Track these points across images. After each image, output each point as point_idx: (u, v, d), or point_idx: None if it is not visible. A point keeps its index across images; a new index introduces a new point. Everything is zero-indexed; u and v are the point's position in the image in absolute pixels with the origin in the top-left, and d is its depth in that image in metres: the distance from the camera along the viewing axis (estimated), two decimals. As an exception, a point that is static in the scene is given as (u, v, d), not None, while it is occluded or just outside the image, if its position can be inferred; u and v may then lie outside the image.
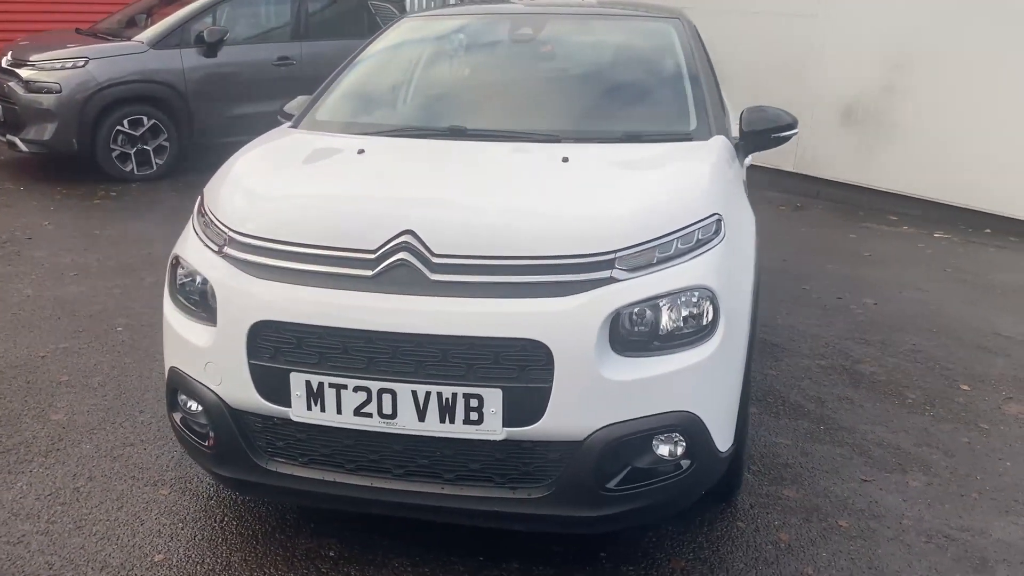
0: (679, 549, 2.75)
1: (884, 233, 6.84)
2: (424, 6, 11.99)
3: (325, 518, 2.88)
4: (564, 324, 2.27)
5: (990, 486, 3.16)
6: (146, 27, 8.13)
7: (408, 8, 10.78)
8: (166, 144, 7.75)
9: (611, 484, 2.37)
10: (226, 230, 2.58)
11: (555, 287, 2.31)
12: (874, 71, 7.35)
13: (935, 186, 7.13)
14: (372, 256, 2.39)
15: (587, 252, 2.35)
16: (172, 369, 2.68)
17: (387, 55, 3.82)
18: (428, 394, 2.31)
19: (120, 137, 7.52)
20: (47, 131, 7.33)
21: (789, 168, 7.98)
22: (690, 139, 3.13)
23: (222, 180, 2.89)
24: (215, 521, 2.89)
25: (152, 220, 6.52)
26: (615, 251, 2.36)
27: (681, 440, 2.41)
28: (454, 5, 11.73)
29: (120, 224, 6.43)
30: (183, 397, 2.69)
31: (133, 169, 7.64)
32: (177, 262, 2.72)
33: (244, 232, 2.54)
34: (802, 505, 3.01)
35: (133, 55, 7.58)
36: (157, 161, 7.73)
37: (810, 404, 3.77)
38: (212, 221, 2.66)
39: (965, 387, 3.99)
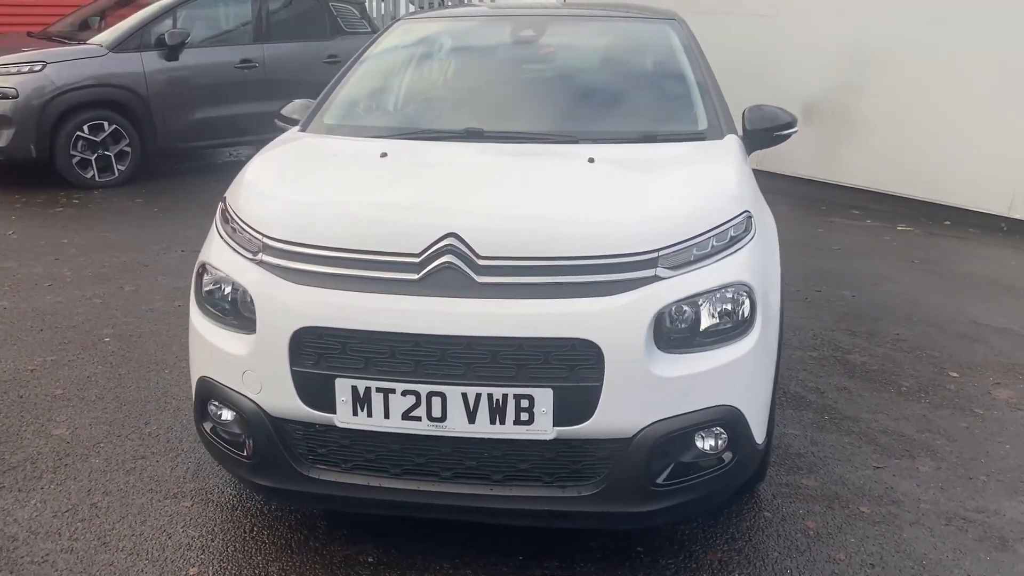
0: (713, 541, 2.80)
1: (849, 227, 7.02)
2: (386, 8, 11.93)
3: (357, 524, 2.86)
4: (613, 322, 2.30)
5: (995, 468, 3.29)
6: (101, 30, 7.95)
7: (370, 10, 10.70)
8: (128, 150, 7.57)
9: (660, 479, 2.40)
10: (260, 236, 2.55)
11: (602, 286, 2.34)
12: (833, 69, 7.55)
13: (895, 181, 7.36)
14: (417, 260, 2.39)
15: (632, 251, 2.38)
16: (202, 379, 2.63)
17: (388, 57, 3.81)
18: (479, 396, 2.31)
19: (80, 143, 7.33)
20: (3, 138, 7.10)
21: (752, 165, 8.13)
22: (703, 138, 3.20)
23: (248, 186, 2.85)
24: (245, 531, 2.84)
25: (120, 227, 6.37)
26: (658, 250, 2.40)
27: (723, 433, 2.46)
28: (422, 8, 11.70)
29: (87, 232, 6.25)
30: (214, 407, 2.64)
31: (94, 176, 7.44)
32: (204, 270, 2.68)
33: (281, 238, 2.51)
34: (822, 493, 3.09)
35: (92, 59, 7.38)
36: (119, 167, 7.55)
37: (811, 395, 3.87)
38: (243, 228, 2.62)
39: (954, 374, 4.14)
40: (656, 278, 2.37)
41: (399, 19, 4.10)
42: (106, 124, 7.40)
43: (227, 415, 2.60)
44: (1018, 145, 6.55)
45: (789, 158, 7.95)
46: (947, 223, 7.04)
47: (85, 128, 7.30)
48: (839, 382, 4.02)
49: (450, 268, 2.37)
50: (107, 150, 7.46)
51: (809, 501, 3.03)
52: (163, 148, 7.88)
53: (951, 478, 3.21)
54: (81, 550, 2.74)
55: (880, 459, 3.33)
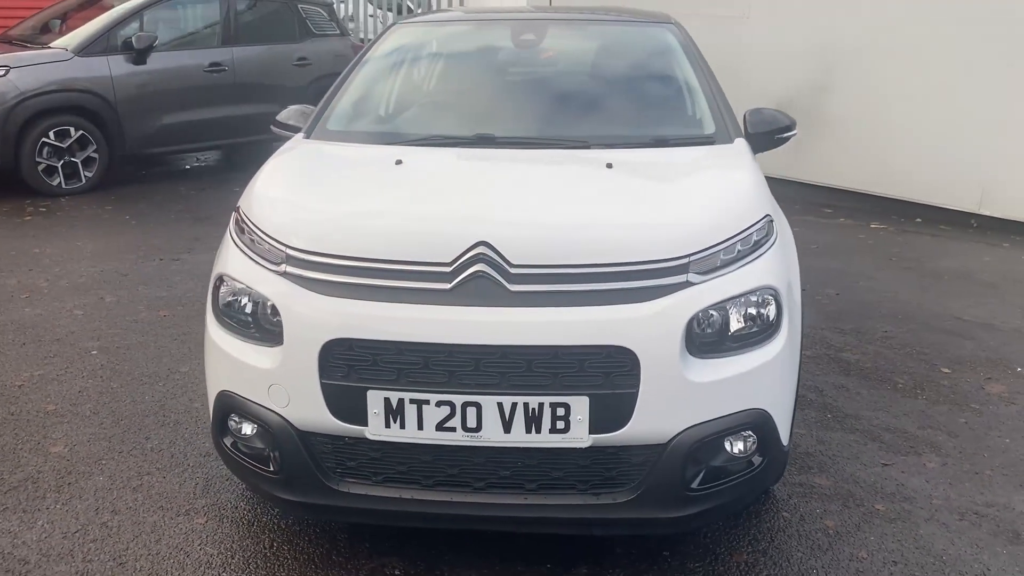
0: (736, 543, 2.82)
1: (824, 225, 7.13)
2: (346, 10, 11.83)
3: (379, 536, 2.82)
4: (649, 329, 2.30)
5: (999, 463, 3.36)
6: (63, 33, 7.76)
7: (339, 12, 10.59)
8: (95, 156, 7.39)
9: (694, 484, 2.41)
10: (283, 247, 2.50)
11: (636, 293, 2.34)
12: (803, 70, 7.67)
13: (866, 179, 7.49)
14: (448, 269, 2.36)
15: (665, 257, 2.38)
16: (223, 393, 2.57)
17: (388, 62, 3.77)
18: (514, 405, 2.29)
19: (46, 149, 7.13)
20: (-34, 145, 6.89)
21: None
22: (712, 142, 3.22)
23: (264, 195, 2.79)
24: (265, 547, 2.79)
25: (92, 236, 6.22)
26: (689, 255, 2.40)
27: (752, 437, 2.47)
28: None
29: (59, 241, 6.09)
30: (234, 422, 2.59)
31: (61, 183, 7.25)
32: (222, 281, 2.62)
33: (306, 248, 2.46)
34: (836, 492, 3.12)
35: (57, 63, 7.20)
36: (86, 174, 7.37)
37: (811, 394, 3.91)
38: (263, 238, 2.57)
39: (946, 370, 4.22)
40: (688, 283, 2.38)
41: (395, 23, 4.05)
42: (72, 130, 7.22)
43: (249, 429, 2.55)
44: (986, 143, 6.71)
45: (760, 157, 8.02)
46: (918, 220, 7.19)
47: (51, 134, 7.12)
48: (836, 380, 4.07)
49: (482, 277, 2.35)
50: (74, 156, 7.28)
51: (825, 500, 3.07)
52: (131, 154, 7.72)
53: (958, 473, 3.27)
54: (96, 572, 2.66)
55: (887, 456, 3.38)
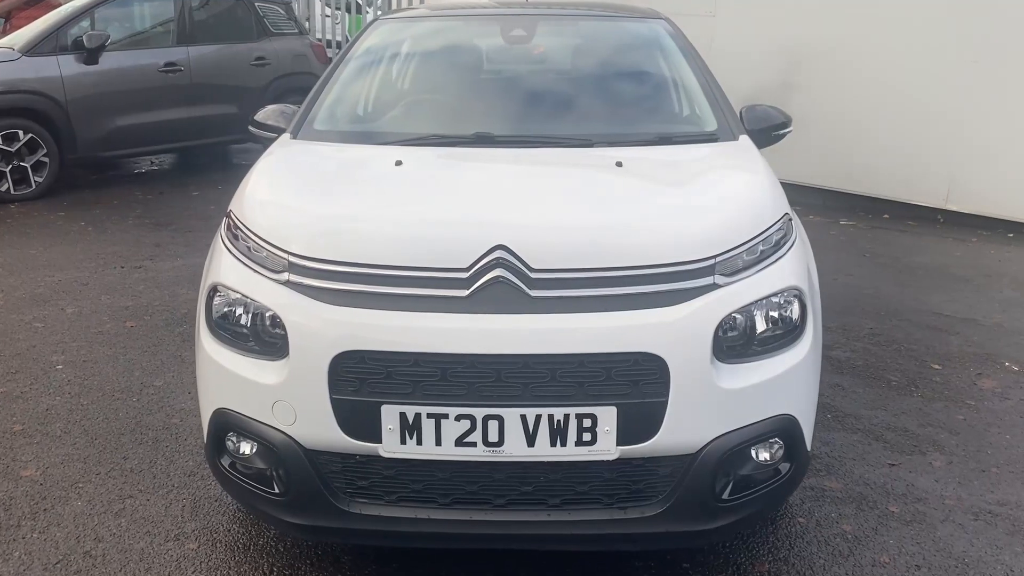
0: (756, 552, 2.74)
1: (794, 223, 7.12)
2: (299, 8, 11.58)
3: (384, 557, 2.67)
4: (678, 334, 2.20)
5: (1003, 460, 3.33)
6: (6, 32, 7.44)
7: (297, 10, 10.35)
8: (45, 160, 7.08)
9: (724, 495, 2.32)
10: (285, 254, 2.34)
11: (662, 296, 2.24)
12: (770, 67, 7.68)
13: (834, 176, 7.52)
14: (465, 275, 2.23)
15: (691, 259, 2.28)
16: (220, 411, 2.41)
17: (373, 59, 3.61)
18: (538, 417, 2.17)
19: (-7, 154, 6.82)
20: (-93, 150, 6.55)
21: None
22: (715, 139, 3.13)
23: (259, 199, 2.63)
24: (264, 573, 2.62)
25: (47, 244, 5.94)
26: (715, 256, 2.31)
27: (779, 443, 2.39)
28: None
29: (11, 250, 5.80)
30: (232, 441, 2.42)
31: (9, 188, 6.94)
32: (216, 291, 2.45)
33: (311, 256, 2.31)
34: (848, 495, 3.06)
35: (3, 63, 6.89)
36: (36, 179, 7.06)
37: (807, 394, 3.86)
38: (261, 245, 2.41)
39: (936, 366, 4.21)
40: (715, 286, 2.28)
41: (377, 19, 3.90)
42: (21, 133, 6.91)
43: (250, 449, 2.39)
44: (952, 139, 6.78)
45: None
46: (886, 216, 7.24)
47: (-2, 138, 6.80)
48: (830, 379, 4.03)
49: (501, 282, 2.22)
50: (23, 161, 6.96)
51: (839, 504, 3.00)
52: (83, 158, 7.42)
53: (965, 472, 3.24)
54: (83, 606, 2.48)
55: (893, 456, 3.34)
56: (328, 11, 12.88)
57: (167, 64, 7.67)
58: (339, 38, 12.54)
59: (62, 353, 4.20)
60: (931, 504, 3.02)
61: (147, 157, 8.71)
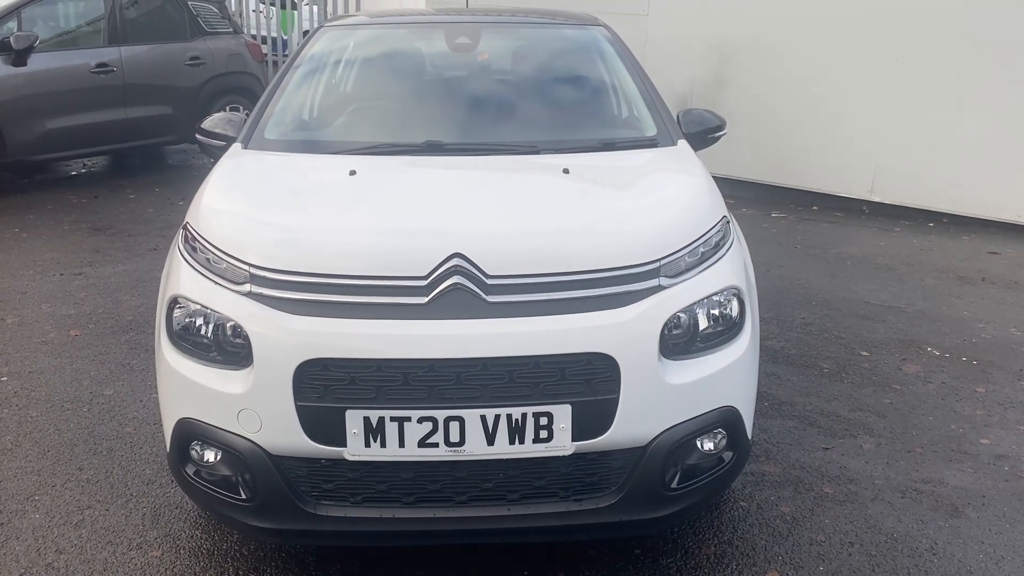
0: (703, 536, 2.89)
1: (728, 216, 7.35)
2: (234, 7, 11.43)
3: (349, 558, 2.75)
4: (627, 334, 2.33)
5: (927, 440, 3.56)
6: (-72, 33, 7.20)
7: (231, 8, 10.22)
8: (-27, 165, 6.91)
9: (672, 484, 2.46)
10: (245, 266, 2.40)
11: (612, 299, 2.36)
12: (702, 64, 7.90)
13: (764, 169, 7.78)
14: (424, 283, 2.33)
15: (638, 262, 2.41)
16: (183, 420, 2.46)
17: (320, 67, 3.66)
18: (497, 417, 2.28)
19: (-82, 159, 6.63)
20: None
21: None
22: (656, 144, 3.27)
23: (216, 210, 2.67)
24: (230, 577, 2.69)
25: (-19, 252, 5.82)
26: (660, 259, 2.44)
27: (722, 433, 2.54)
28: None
29: (-57, 259, 5.68)
30: (196, 450, 2.48)
31: (-64, 195, 6.76)
32: (176, 303, 2.50)
33: (272, 267, 2.37)
34: (786, 478, 3.24)
35: (-73, 66, 6.68)
36: (-36, 184, 6.88)
37: (745, 383, 4.04)
38: (221, 256, 2.46)
39: (864, 353, 4.45)
40: (660, 287, 2.42)
41: (322, 25, 3.94)
42: (-53, 137, 6.73)
43: (215, 457, 2.44)
44: (875, 132, 7.08)
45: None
46: (815, 208, 7.52)
47: (-76, 143, 6.62)
48: (766, 368, 4.22)
49: (459, 289, 2.32)
50: (-50, 166, 6.79)
51: (777, 487, 3.18)
52: (13, 161, 7.24)
53: (893, 453, 3.45)
54: (50, 618, 2.50)
55: (826, 440, 3.54)
56: (262, 7, 12.73)
57: (99, 65, 7.54)
58: (274, 34, 12.42)
59: (6, 365, 4.16)
60: (862, 484, 3.22)
61: (80, 160, 8.54)
